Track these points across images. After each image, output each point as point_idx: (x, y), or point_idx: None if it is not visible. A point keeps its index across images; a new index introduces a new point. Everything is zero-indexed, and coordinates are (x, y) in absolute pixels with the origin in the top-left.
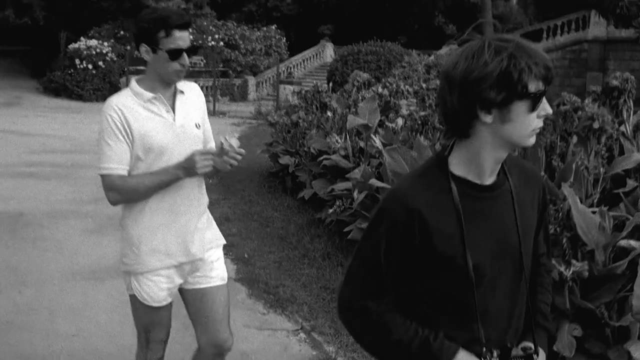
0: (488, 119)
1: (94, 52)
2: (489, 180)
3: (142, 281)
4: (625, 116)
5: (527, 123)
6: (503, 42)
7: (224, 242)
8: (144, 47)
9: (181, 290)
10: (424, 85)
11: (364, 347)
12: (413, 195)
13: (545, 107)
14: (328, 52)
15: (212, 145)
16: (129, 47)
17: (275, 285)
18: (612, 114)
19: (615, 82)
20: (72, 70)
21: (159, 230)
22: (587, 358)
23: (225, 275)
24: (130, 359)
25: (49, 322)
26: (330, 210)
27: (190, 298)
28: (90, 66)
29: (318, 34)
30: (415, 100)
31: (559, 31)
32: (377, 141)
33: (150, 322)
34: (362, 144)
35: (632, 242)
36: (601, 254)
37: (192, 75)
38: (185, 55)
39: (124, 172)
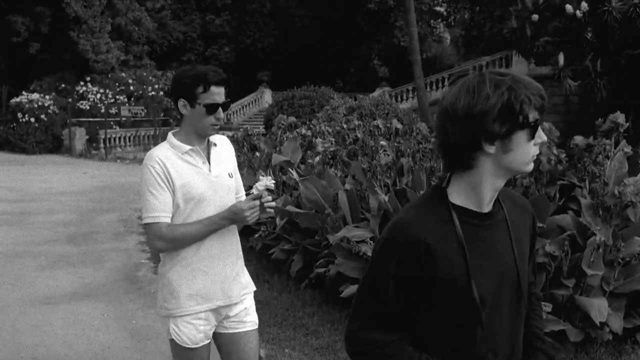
0: (491, 150)
1: (35, 106)
2: (487, 208)
3: (180, 324)
4: None
5: (527, 151)
6: (500, 75)
7: (255, 288)
8: (182, 102)
9: (215, 334)
10: (345, 126)
11: None
12: (416, 225)
13: (540, 135)
14: (266, 97)
15: (242, 194)
16: (70, 100)
17: None
18: None
19: None
20: (14, 124)
21: (198, 275)
22: None
23: (257, 320)
24: None
25: (14, 335)
26: (256, 235)
27: (224, 342)
28: (32, 119)
29: (256, 80)
30: (332, 139)
31: (484, 70)
32: (295, 174)
33: None
34: (285, 177)
35: None
36: None
37: (133, 124)
38: (220, 109)
39: (169, 220)
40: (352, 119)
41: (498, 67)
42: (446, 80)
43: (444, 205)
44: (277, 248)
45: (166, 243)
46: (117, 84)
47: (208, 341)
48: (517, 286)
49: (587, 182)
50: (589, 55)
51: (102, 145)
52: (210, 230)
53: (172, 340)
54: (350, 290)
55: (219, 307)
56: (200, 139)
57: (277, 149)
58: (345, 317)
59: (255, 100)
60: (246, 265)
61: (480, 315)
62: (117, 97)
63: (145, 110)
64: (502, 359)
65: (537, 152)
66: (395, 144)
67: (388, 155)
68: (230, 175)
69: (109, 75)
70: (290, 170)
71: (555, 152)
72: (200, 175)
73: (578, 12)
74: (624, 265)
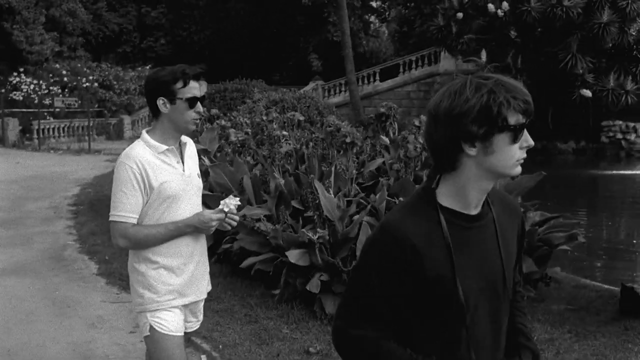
0: (472, 151)
1: None
2: (475, 210)
3: (160, 314)
4: (391, 134)
5: (510, 154)
6: (483, 79)
7: (211, 287)
8: (161, 100)
9: None
10: (264, 118)
11: None
12: (402, 226)
13: (527, 139)
14: (202, 89)
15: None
16: (3, 90)
17: (127, 276)
18: (382, 132)
19: (382, 110)
20: None
21: (174, 272)
22: (332, 295)
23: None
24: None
25: None
26: None
27: None
28: None
29: None
30: (249, 130)
31: (414, 65)
32: (207, 161)
33: (171, 355)
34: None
35: (358, 216)
36: (339, 224)
37: (67, 115)
38: (199, 104)
39: (135, 222)
40: (271, 111)
41: (427, 63)
42: (377, 74)
43: (432, 207)
44: None
45: (129, 243)
46: (51, 75)
47: (182, 333)
48: (503, 287)
49: None
50: (510, 53)
51: (35, 135)
52: (173, 235)
53: (150, 335)
54: (248, 262)
55: (190, 303)
56: (175, 138)
57: (196, 138)
58: (246, 287)
59: None
60: None
61: (465, 315)
62: (51, 88)
63: (80, 102)
64: (487, 356)
65: (524, 155)
66: (297, 135)
67: (290, 144)
68: (199, 175)
69: (43, 67)
70: (204, 157)
71: (420, 140)
72: (175, 175)
73: (499, 11)
74: None
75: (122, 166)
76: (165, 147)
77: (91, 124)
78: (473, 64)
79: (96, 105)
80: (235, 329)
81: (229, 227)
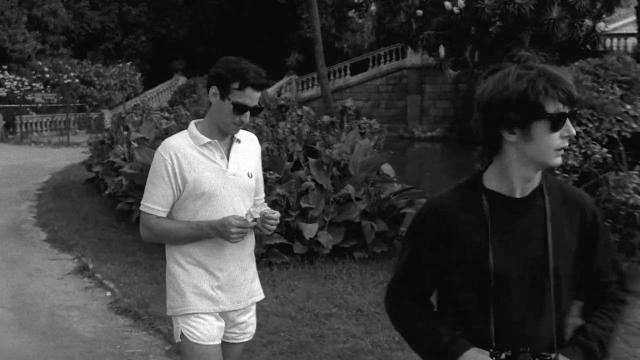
0: (512, 138)
1: None
2: (520, 195)
3: (191, 320)
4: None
5: (549, 142)
6: (526, 69)
7: (263, 296)
8: (214, 89)
9: None
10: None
11: (399, 330)
12: (444, 202)
13: (568, 129)
14: (180, 84)
15: (262, 196)
16: None
17: (68, 240)
18: (283, 121)
19: (281, 102)
20: None
21: (205, 275)
22: None
23: (254, 331)
24: None
25: None
26: (107, 192)
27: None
28: None
29: (172, 68)
30: (171, 119)
31: (382, 60)
32: (135, 145)
33: None
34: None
35: None
36: None
37: (49, 110)
38: (248, 113)
39: (163, 215)
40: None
41: (395, 58)
42: (348, 69)
43: (478, 188)
44: (122, 202)
45: (150, 234)
46: (33, 72)
47: (220, 342)
48: (545, 273)
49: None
50: (468, 48)
51: (18, 130)
52: (194, 235)
53: (182, 342)
54: None
55: (226, 312)
56: (222, 133)
57: (137, 128)
58: (155, 245)
59: (170, 87)
60: (99, 215)
61: (491, 289)
62: (34, 84)
63: (61, 97)
64: (515, 340)
65: (565, 144)
66: None
67: None
68: (250, 175)
69: (26, 64)
70: (133, 143)
71: (308, 128)
72: (215, 171)
73: (455, 9)
74: (341, 203)
75: (157, 156)
76: (207, 139)
77: (72, 119)
78: (434, 59)
79: (77, 101)
80: (138, 274)
81: (268, 232)
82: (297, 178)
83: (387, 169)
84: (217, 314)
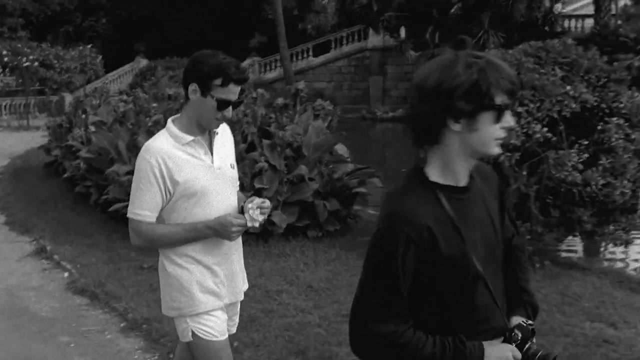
0: (457, 127)
1: None
2: (463, 182)
3: (201, 319)
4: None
5: (492, 133)
6: (474, 57)
7: (247, 285)
8: (193, 86)
9: None
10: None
11: None
12: (412, 210)
13: (508, 120)
14: (142, 67)
15: (237, 185)
16: None
17: (26, 222)
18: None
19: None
20: None
21: (208, 272)
22: None
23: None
24: None
25: None
26: (65, 175)
27: None
28: None
29: (134, 50)
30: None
31: (344, 41)
32: (92, 128)
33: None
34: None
35: None
36: None
37: (8, 94)
38: (230, 108)
39: (152, 220)
40: (177, 85)
41: (357, 39)
42: (310, 50)
43: (426, 186)
44: (80, 185)
45: (143, 241)
46: None
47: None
48: (499, 249)
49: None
50: (429, 29)
51: None
52: (191, 237)
53: (194, 342)
54: (114, 207)
55: (227, 305)
56: (202, 128)
57: (95, 112)
58: (113, 227)
59: (132, 70)
60: (57, 199)
61: (485, 280)
62: None
63: (20, 80)
64: (498, 320)
65: (504, 135)
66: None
67: (160, 114)
68: (232, 166)
69: None
70: (90, 126)
71: (263, 111)
72: (202, 168)
73: None
74: (295, 183)
75: (142, 160)
76: (190, 137)
77: (32, 102)
78: (395, 40)
79: (37, 84)
80: (95, 255)
81: (257, 226)
82: (251, 159)
83: (341, 149)
84: (222, 307)
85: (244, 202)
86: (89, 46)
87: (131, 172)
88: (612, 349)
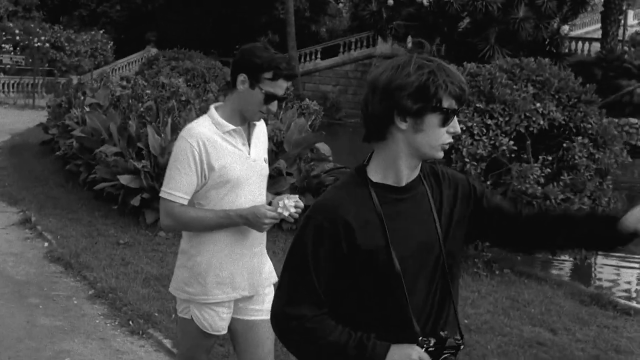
0: (403, 125)
1: None
2: (404, 182)
3: (204, 310)
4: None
5: (437, 136)
6: (427, 60)
7: (276, 279)
8: (242, 77)
9: (232, 319)
10: (166, 81)
11: (302, 357)
12: (335, 204)
13: (455, 125)
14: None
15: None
16: None
17: (16, 195)
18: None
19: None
20: None
21: (227, 262)
22: (152, 210)
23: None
24: None
25: None
26: (58, 153)
27: (241, 328)
28: None
29: (145, 39)
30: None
31: (353, 47)
32: (87, 109)
33: (199, 347)
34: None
35: None
36: (161, 158)
37: (17, 73)
38: (275, 102)
39: (185, 202)
40: (176, 76)
41: (366, 45)
42: (319, 53)
43: (363, 184)
44: (72, 163)
45: (174, 223)
46: (3, 33)
47: (225, 332)
48: (439, 253)
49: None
50: (436, 40)
51: None
52: (222, 223)
53: (188, 322)
54: (100, 185)
55: (245, 297)
56: (243, 119)
57: (92, 95)
58: (98, 204)
59: (141, 58)
60: (49, 175)
61: (402, 281)
62: (3, 45)
63: (30, 60)
64: (428, 324)
65: (449, 140)
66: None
67: (152, 101)
68: (265, 161)
69: None
70: (85, 107)
71: None
72: (238, 158)
73: (425, 1)
74: (272, 176)
75: (182, 142)
76: (231, 126)
77: (40, 82)
78: (404, 49)
79: (46, 65)
80: (76, 229)
81: (292, 220)
82: None
83: (323, 148)
84: (233, 301)
85: (274, 198)
86: (101, 31)
87: (119, 154)
88: (544, 350)
